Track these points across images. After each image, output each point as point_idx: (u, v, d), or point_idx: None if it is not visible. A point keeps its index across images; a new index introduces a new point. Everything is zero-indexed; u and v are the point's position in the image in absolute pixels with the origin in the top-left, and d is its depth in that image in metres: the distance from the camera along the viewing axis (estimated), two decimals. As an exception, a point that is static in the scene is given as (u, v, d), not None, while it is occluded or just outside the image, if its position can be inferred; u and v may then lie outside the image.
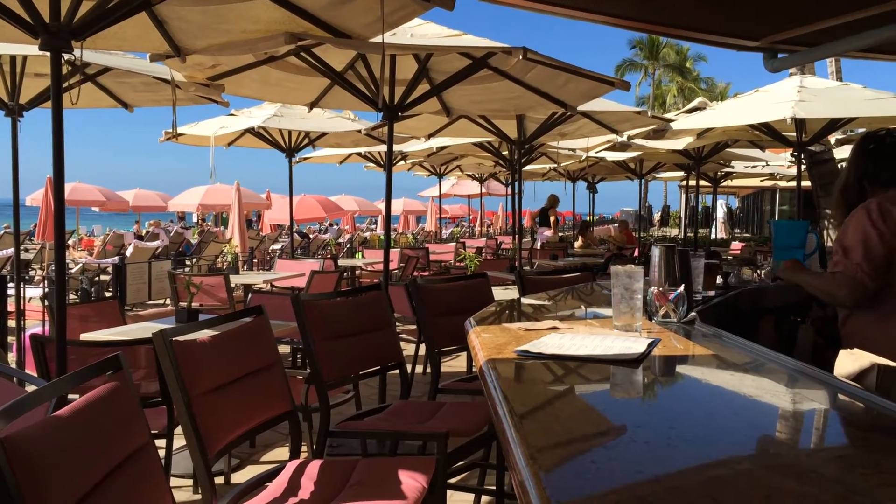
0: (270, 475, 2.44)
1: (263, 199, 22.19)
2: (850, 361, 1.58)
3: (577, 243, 14.10)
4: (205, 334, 2.39)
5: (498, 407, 1.33)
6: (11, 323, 6.12)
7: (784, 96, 7.76)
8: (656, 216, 45.89)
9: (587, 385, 1.60)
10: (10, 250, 11.82)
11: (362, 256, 12.84)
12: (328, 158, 14.57)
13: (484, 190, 24.31)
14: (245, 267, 12.95)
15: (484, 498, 3.68)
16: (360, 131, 10.10)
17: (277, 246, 18.15)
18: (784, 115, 7.19)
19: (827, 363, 1.95)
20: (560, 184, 20.08)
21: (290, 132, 10.53)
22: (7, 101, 5.83)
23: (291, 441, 2.66)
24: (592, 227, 18.81)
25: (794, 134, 8.53)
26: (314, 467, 2.47)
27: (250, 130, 9.82)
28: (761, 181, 22.32)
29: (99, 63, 5.55)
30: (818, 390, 1.48)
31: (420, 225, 31.43)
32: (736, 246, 15.76)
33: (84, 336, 4.30)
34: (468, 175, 21.15)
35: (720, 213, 26.87)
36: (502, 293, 5.82)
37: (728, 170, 16.36)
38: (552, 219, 15.43)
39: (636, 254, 12.90)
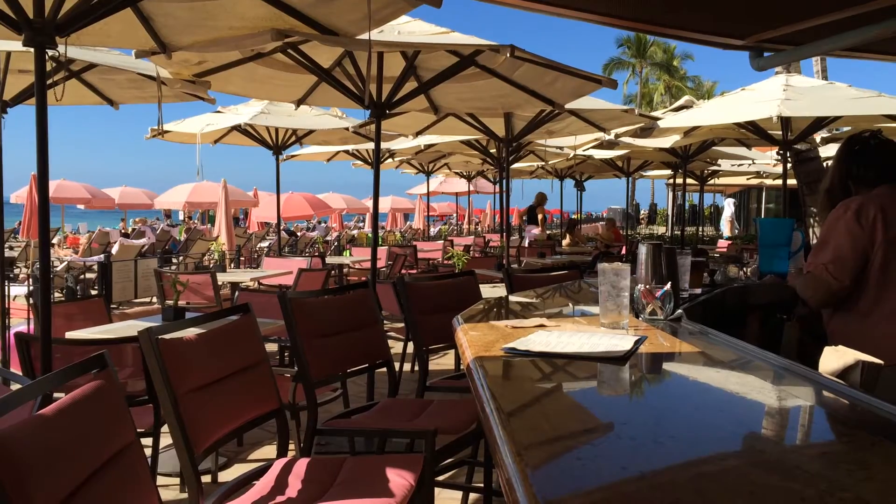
0: (257, 473, 2.43)
1: (251, 196, 22.11)
2: (834, 358, 1.59)
3: (565, 241, 14.14)
4: (191, 332, 2.38)
5: (485, 405, 1.34)
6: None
7: (770, 95, 7.80)
8: (643, 214, 46.08)
9: (574, 382, 1.60)
10: (-6, 248, 11.71)
11: (350, 254, 12.82)
12: (315, 156, 14.53)
13: (472, 188, 24.32)
14: (232, 265, 12.89)
15: (472, 495, 3.68)
16: (347, 129, 10.08)
17: (265, 244, 18.09)
18: (770, 114, 7.23)
19: (812, 360, 1.96)
20: (548, 182, 20.12)
21: (277, 129, 10.49)
22: (-9, 98, 5.77)
23: (279, 439, 2.66)
24: (580, 225, 18.87)
25: (780, 132, 8.58)
26: (301, 465, 2.46)
27: (237, 128, 9.78)
28: (748, 179, 22.44)
29: (84, 59, 5.50)
30: (803, 387, 1.49)
31: (408, 223, 31.41)
32: (722, 244, 15.84)
33: (69, 334, 4.27)
34: (456, 173, 21.15)
35: (728, 211, 26.92)
36: (490, 291, 5.83)
37: (715, 168, 16.44)
38: (540, 217, 15.45)
39: (623, 252, 12.95)
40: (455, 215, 32.56)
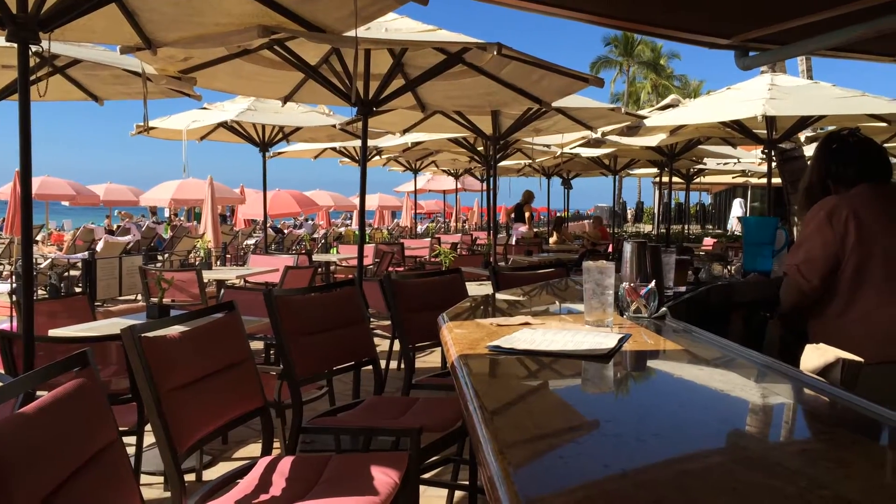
0: (242, 472, 2.42)
1: (237, 193, 22.02)
2: (815, 356, 1.60)
3: (552, 239, 14.16)
4: (175, 330, 2.37)
5: (469, 403, 1.34)
6: (-22, 319, 6.01)
7: (755, 94, 7.85)
8: (631, 212, 46.27)
9: (558, 380, 1.61)
10: (-23, 245, 11.60)
11: (337, 252, 12.79)
12: (302, 153, 14.49)
13: (459, 185, 24.35)
14: (218, 262, 12.84)
15: (457, 493, 3.68)
16: (334, 126, 10.05)
17: (251, 241, 18.01)
18: (755, 113, 7.28)
19: (795, 357, 1.97)
20: (535, 180, 20.17)
21: (263, 126, 10.44)
22: (-27, 94, 5.72)
23: (263, 437, 2.65)
24: (567, 222, 18.90)
25: (765, 131, 8.64)
26: (286, 463, 2.46)
27: (223, 124, 9.73)
28: (733, 178, 22.58)
29: (68, 55, 5.46)
30: (785, 385, 1.50)
31: (395, 220, 31.38)
32: (708, 242, 15.93)
33: (52, 332, 4.24)
34: (443, 170, 21.15)
35: (738, 211, 27.02)
36: (477, 289, 5.83)
37: (700, 166, 16.54)
38: (527, 215, 15.47)
39: (610, 249, 12.99)
40: (442, 213, 32.57)
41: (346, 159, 15.09)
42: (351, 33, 4.20)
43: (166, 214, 27.08)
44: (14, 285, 7.30)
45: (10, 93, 5.65)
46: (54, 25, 3.49)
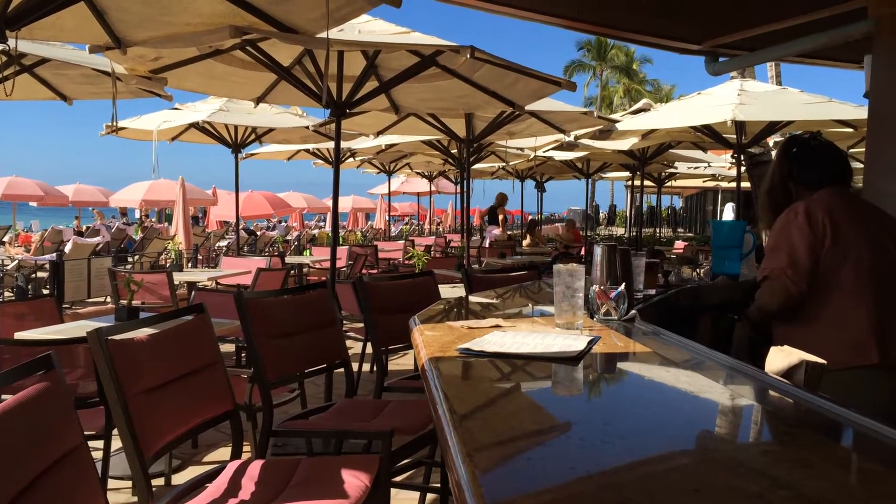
0: (210, 476, 2.40)
1: (209, 195, 21.83)
2: (780, 358, 1.63)
3: (525, 242, 14.22)
4: (143, 333, 2.34)
5: (438, 406, 1.34)
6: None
7: (725, 99, 7.96)
8: (603, 215, 46.62)
9: (527, 383, 1.61)
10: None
11: (310, 254, 12.72)
12: (275, 154, 14.41)
13: (433, 188, 24.35)
14: (189, 264, 12.72)
15: (429, 496, 3.68)
16: (307, 127, 10.01)
17: (223, 243, 17.86)
18: (725, 118, 7.38)
19: (762, 359, 2.00)
20: (509, 182, 20.23)
21: (236, 127, 10.38)
22: (-63, 92, 5.60)
23: (233, 441, 2.62)
24: (540, 225, 19.00)
25: (735, 136, 8.76)
26: (255, 467, 2.44)
27: (195, 125, 9.65)
28: (704, 182, 22.86)
29: (36, 54, 5.38)
30: (749, 386, 1.52)
31: (369, 222, 31.30)
32: (679, 245, 16.10)
33: (18, 335, 4.17)
34: (417, 173, 21.15)
35: (730, 215, 27.30)
36: (450, 291, 5.84)
37: (672, 170, 16.72)
38: (501, 217, 15.53)
39: (583, 252, 13.07)
40: (417, 215, 32.55)
41: (320, 161, 15.03)
42: (323, 35, 4.19)
43: (137, 216, 26.77)
44: (-21, 287, 7.17)
45: (-24, 91, 5.55)
46: (21, 24, 3.44)
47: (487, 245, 13.76)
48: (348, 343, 6.36)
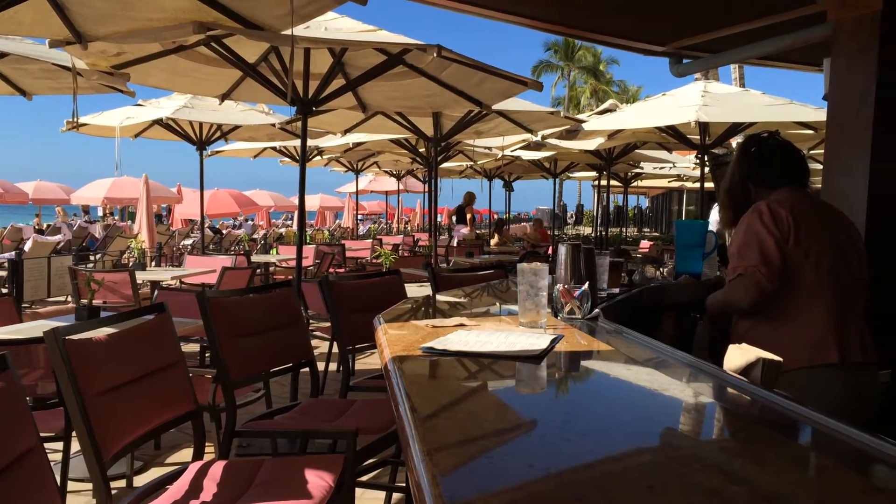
0: (171, 477, 2.36)
1: (174, 192, 21.55)
2: (738, 356, 1.65)
3: (493, 241, 14.26)
4: (102, 333, 2.30)
5: (399, 405, 1.34)
6: None
7: (689, 100, 8.07)
8: (571, 215, 46.95)
9: (490, 382, 1.62)
10: None
11: (277, 253, 12.62)
12: (241, 152, 14.27)
13: (401, 187, 24.31)
14: (153, 263, 12.54)
15: (395, 495, 3.67)
16: (274, 125, 9.93)
17: (188, 241, 17.64)
18: (688, 119, 7.49)
19: (722, 357, 2.03)
20: (477, 182, 20.28)
21: (200, 124, 10.25)
22: None
23: (195, 442, 2.59)
24: (508, 225, 19.07)
25: (698, 137, 8.88)
26: (217, 468, 2.41)
27: (159, 121, 9.51)
28: (669, 182, 23.14)
29: (-8, 47, 5.27)
30: (708, 384, 1.54)
31: (337, 221, 31.15)
32: (645, 244, 16.27)
33: (-26, 335, 4.07)
34: (385, 171, 21.10)
35: (715, 217, 27.56)
36: (417, 290, 5.83)
37: (638, 170, 16.91)
38: (469, 216, 15.55)
39: (550, 252, 13.15)
40: (385, 214, 32.47)
41: (287, 159, 14.92)
42: (288, 31, 4.16)
43: (99, 213, 26.32)
44: (-66, 286, 6.99)
45: (-70, 85, 5.42)
46: (-23, 17, 3.37)
47: (455, 244, 13.77)
48: (315, 343, 6.31)
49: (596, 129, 9.34)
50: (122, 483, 3.92)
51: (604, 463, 1.06)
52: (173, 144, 11.33)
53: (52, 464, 1.84)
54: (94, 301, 4.77)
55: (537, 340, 1.87)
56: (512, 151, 12.84)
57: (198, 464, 2.46)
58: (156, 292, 6.24)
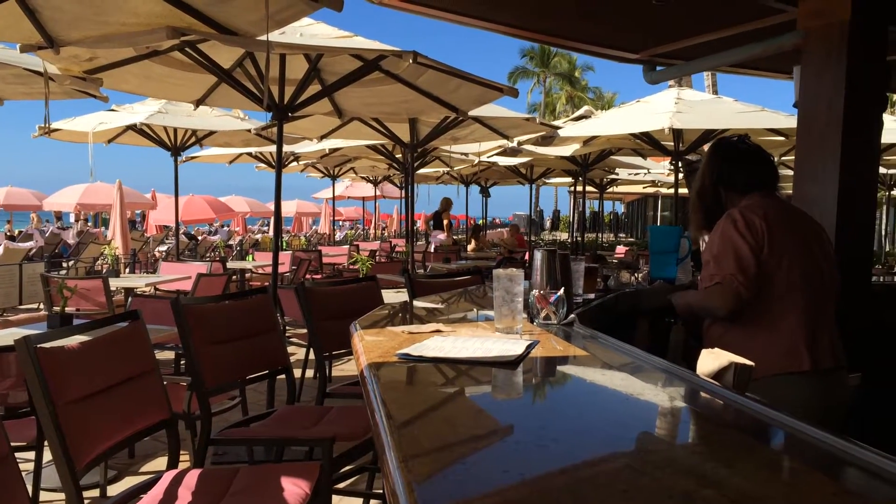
0: (145, 487, 2.34)
1: (148, 198, 21.33)
2: (710, 360, 1.67)
3: (470, 246, 14.29)
4: (74, 341, 2.28)
5: (375, 412, 1.34)
6: None
7: (663, 107, 8.15)
8: (548, 220, 47.17)
9: (465, 388, 1.62)
10: None
11: (253, 259, 12.54)
12: (217, 158, 14.19)
13: (378, 192, 24.27)
14: (127, 270, 12.41)
15: (372, 502, 3.66)
16: (249, 130, 9.88)
17: (163, 248, 17.47)
18: (662, 126, 7.56)
19: (696, 361, 2.04)
20: (454, 187, 20.32)
21: (175, 130, 10.18)
22: None
23: (169, 450, 2.57)
24: (485, 230, 19.11)
25: (672, 143, 8.97)
26: (192, 477, 2.39)
27: (132, 127, 9.45)
28: (644, 188, 23.34)
29: (-38, 52, 5.19)
30: (681, 388, 1.56)
31: (314, 227, 31.02)
32: (621, 250, 16.39)
33: (-58, 344, 4.00)
34: (362, 177, 21.08)
35: None
36: (394, 296, 5.82)
37: (613, 176, 17.04)
38: (446, 222, 15.57)
39: (527, 257, 13.19)
40: (362, 220, 32.39)
41: (263, 165, 14.85)
42: (263, 37, 4.15)
43: (72, 219, 25.99)
44: None
45: None
46: (-55, 21, 3.32)
47: (433, 250, 13.77)
48: (292, 349, 6.26)
49: (571, 136, 9.40)
50: (95, 493, 3.87)
51: (578, 468, 1.07)
52: (147, 150, 11.28)
53: (24, 473, 1.81)
54: (66, 308, 4.71)
55: (513, 346, 1.87)
56: (488, 157, 12.89)
57: (172, 472, 2.43)
58: (130, 299, 6.18)
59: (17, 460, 1.77)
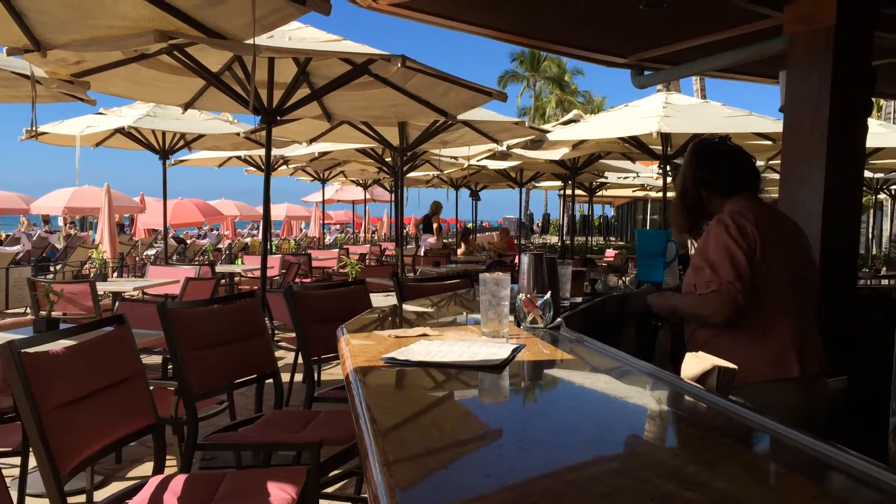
0: (131, 492, 2.33)
1: (136, 202, 21.24)
2: (694, 363, 1.68)
3: (460, 250, 14.29)
4: (60, 345, 2.26)
5: (360, 417, 1.34)
6: None
7: (651, 111, 8.19)
8: (538, 224, 47.26)
9: (451, 392, 1.62)
10: None
11: (242, 262, 12.51)
12: (206, 161, 14.14)
13: (368, 196, 24.26)
14: (115, 274, 12.35)
15: (360, 506, 3.66)
16: (238, 134, 9.87)
17: (151, 252, 17.40)
18: (650, 130, 7.60)
19: (682, 364, 2.05)
20: (444, 191, 20.34)
21: (164, 133, 10.15)
22: None
23: (155, 455, 2.56)
24: (475, 234, 19.13)
25: (660, 147, 9.01)
26: (178, 482, 2.38)
27: (120, 130, 9.40)
28: (633, 191, 23.43)
29: (-52, 55, 5.17)
30: (665, 392, 1.57)
31: (304, 231, 30.96)
32: (610, 253, 16.42)
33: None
34: (352, 181, 21.06)
35: None
36: (384, 300, 5.83)
37: (602, 180, 17.08)
38: (435, 226, 15.56)
39: (517, 261, 13.19)
40: (352, 223, 32.36)
41: (252, 168, 14.82)
42: (251, 41, 4.14)
43: (60, 223, 25.85)
44: None
45: None
46: (-70, 24, 3.30)
47: (422, 253, 13.77)
48: (281, 353, 6.25)
49: (560, 140, 9.43)
50: (82, 498, 3.84)
51: (560, 472, 1.07)
52: (136, 154, 11.20)
53: (10, 479, 1.80)
54: (53, 313, 4.69)
55: (499, 350, 1.88)
56: (478, 161, 12.91)
57: (158, 478, 2.42)
58: (117, 303, 6.15)
59: (3, 466, 1.76)
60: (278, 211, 28.62)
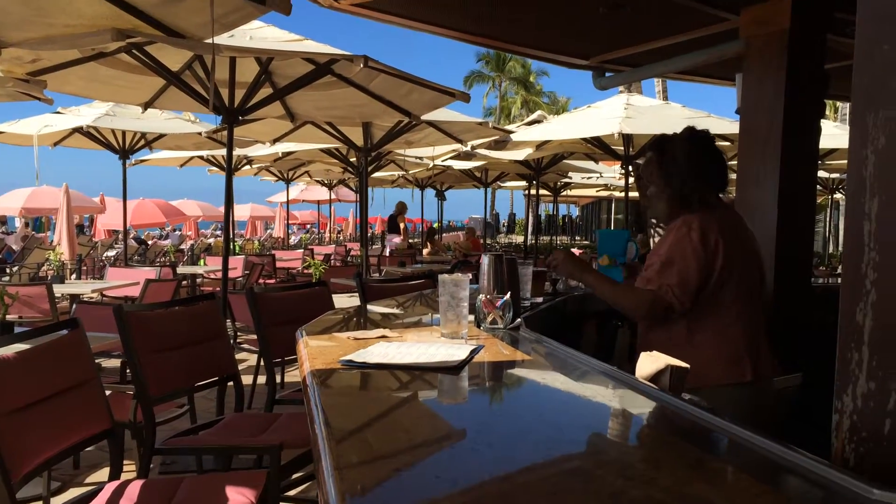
0: (85, 499, 2.29)
1: (96, 202, 20.87)
2: (648, 363, 1.70)
3: (426, 250, 14.29)
4: (12, 350, 2.22)
5: (315, 420, 1.33)
6: None
7: (613, 112, 8.29)
8: (504, 223, 47.46)
9: (407, 395, 1.63)
10: None
11: (205, 264, 12.36)
12: (167, 161, 13.96)
13: (333, 196, 24.14)
14: (74, 276, 12.12)
15: (323, 508, 3.63)
16: (200, 134, 9.76)
17: (112, 253, 17.11)
18: (612, 131, 7.69)
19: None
20: (409, 191, 20.32)
21: (123, 133, 9.99)
22: None
23: (111, 461, 2.52)
24: (440, 234, 19.14)
25: (622, 148, 9.11)
26: (135, 488, 2.35)
27: (79, 130, 9.23)
28: (597, 191, 23.63)
29: None
30: (619, 391, 1.59)
31: (268, 231, 30.70)
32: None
33: None
34: (317, 181, 20.95)
35: None
36: (348, 300, 5.81)
37: (566, 180, 17.21)
38: (401, 226, 15.54)
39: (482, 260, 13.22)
40: (317, 224, 32.16)
41: (215, 168, 14.66)
42: (210, 40, 4.10)
43: (17, 224, 25.29)
44: None
45: None
46: None
47: (388, 253, 13.74)
48: (244, 355, 6.19)
49: (524, 140, 9.49)
50: (38, 505, 3.77)
51: (511, 472, 1.08)
52: (96, 153, 11.01)
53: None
54: (8, 316, 4.59)
55: (457, 351, 1.88)
56: (443, 161, 12.92)
57: (114, 484, 2.39)
58: (74, 306, 6.04)
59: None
60: (242, 211, 28.34)
